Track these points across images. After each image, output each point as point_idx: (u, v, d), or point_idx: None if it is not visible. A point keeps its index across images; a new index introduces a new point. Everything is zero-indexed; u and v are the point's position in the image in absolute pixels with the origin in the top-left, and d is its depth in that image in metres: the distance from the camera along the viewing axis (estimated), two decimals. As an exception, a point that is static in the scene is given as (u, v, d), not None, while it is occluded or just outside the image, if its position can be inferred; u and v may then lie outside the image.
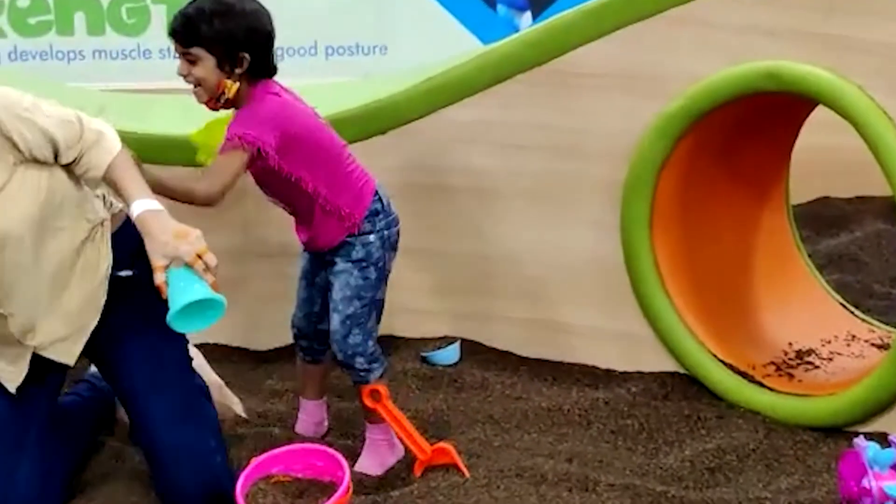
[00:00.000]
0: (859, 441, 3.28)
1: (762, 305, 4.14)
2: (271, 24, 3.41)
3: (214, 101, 3.41)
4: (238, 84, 3.38)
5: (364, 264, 3.50)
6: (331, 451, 3.37)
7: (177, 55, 3.39)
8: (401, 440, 3.58)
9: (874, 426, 3.65)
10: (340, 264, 3.51)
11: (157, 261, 2.95)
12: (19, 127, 3.03)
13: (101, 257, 3.27)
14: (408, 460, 3.57)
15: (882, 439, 3.36)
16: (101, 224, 3.28)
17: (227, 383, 3.97)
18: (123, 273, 3.29)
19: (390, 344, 4.15)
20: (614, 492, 3.40)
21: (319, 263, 3.60)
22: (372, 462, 3.58)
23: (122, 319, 3.30)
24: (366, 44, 6.37)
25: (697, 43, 3.86)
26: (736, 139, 3.99)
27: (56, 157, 3.10)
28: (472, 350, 4.25)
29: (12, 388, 3.25)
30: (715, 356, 3.94)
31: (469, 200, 4.12)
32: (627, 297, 4.03)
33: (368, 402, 3.59)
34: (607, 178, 3.97)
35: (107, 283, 3.27)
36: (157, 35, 6.20)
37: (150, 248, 2.97)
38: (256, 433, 3.72)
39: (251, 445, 3.61)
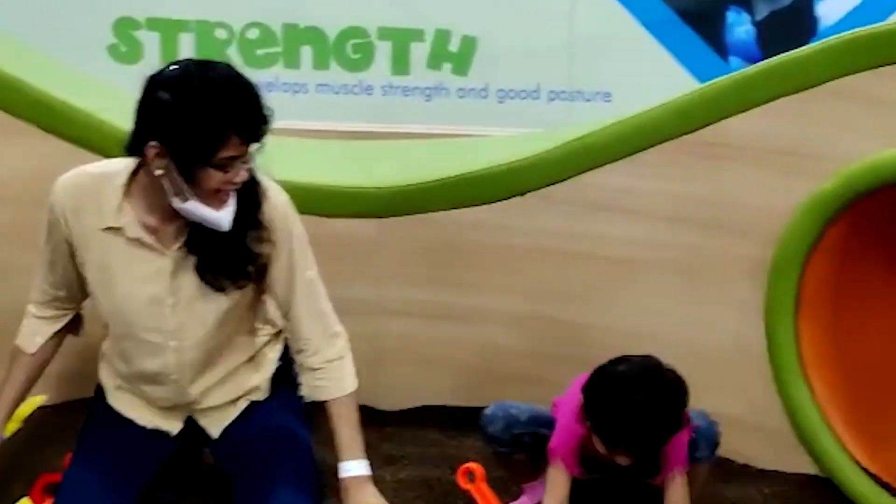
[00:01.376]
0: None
1: (921, 411, 3.75)
2: None
3: None
4: None
5: None
6: None
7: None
8: (494, 529, 3.42)
9: None
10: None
11: None
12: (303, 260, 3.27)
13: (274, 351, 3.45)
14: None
15: None
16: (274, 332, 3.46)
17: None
18: None
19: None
20: None
21: None
22: None
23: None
24: (588, 90, 6.17)
25: (857, 119, 3.53)
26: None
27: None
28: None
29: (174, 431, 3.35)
30: (857, 463, 3.60)
31: (607, 270, 3.90)
32: (769, 387, 3.73)
33: (462, 483, 3.44)
34: (753, 258, 3.69)
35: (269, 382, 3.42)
36: (381, 72, 6.20)
37: None
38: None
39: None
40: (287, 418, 3.39)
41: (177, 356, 3.23)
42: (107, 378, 3.40)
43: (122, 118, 3.78)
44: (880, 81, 3.51)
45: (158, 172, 2.95)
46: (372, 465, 3.74)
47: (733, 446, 3.82)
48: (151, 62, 5.97)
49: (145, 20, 6.07)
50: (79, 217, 3.12)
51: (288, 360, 3.47)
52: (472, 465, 3.44)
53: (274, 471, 3.27)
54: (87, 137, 3.77)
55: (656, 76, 5.95)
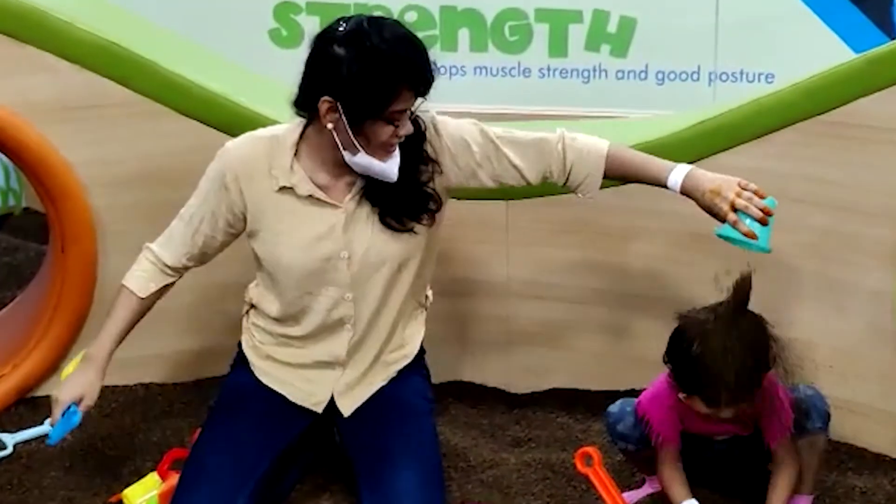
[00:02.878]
0: None
1: None
2: None
3: None
4: None
5: None
6: None
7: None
8: (610, 515, 3.39)
9: None
10: None
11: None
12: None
13: (415, 335, 3.50)
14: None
15: None
16: (424, 308, 3.53)
17: (471, 423, 3.90)
18: None
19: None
20: None
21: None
22: None
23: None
24: (751, 71, 6.02)
25: None
26: None
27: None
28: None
29: (320, 409, 3.41)
30: None
31: (738, 254, 3.80)
32: (906, 375, 3.62)
33: (580, 466, 3.41)
34: (887, 242, 3.58)
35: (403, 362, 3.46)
36: (538, 54, 6.16)
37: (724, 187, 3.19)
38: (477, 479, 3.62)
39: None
40: (414, 404, 3.44)
41: (354, 307, 3.31)
42: (253, 349, 3.45)
43: (254, 99, 3.87)
44: None
45: (329, 126, 3.07)
46: (498, 447, 3.78)
47: (867, 436, 3.74)
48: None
49: (306, 4, 6.16)
50: (252, 182, 3.23)
51: (421, 348, 3.52)
52: (589, 448, 3.40)
53: (398, 456, 3.29)
54: (220, 118, 3.83)
55: (820, 56, 5.75)
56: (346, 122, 3.05)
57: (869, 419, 3.70)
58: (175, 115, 3.84)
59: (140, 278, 3.37)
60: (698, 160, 3.77)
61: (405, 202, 3.26)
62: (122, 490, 3.45)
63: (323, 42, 3.05)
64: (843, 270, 3.69)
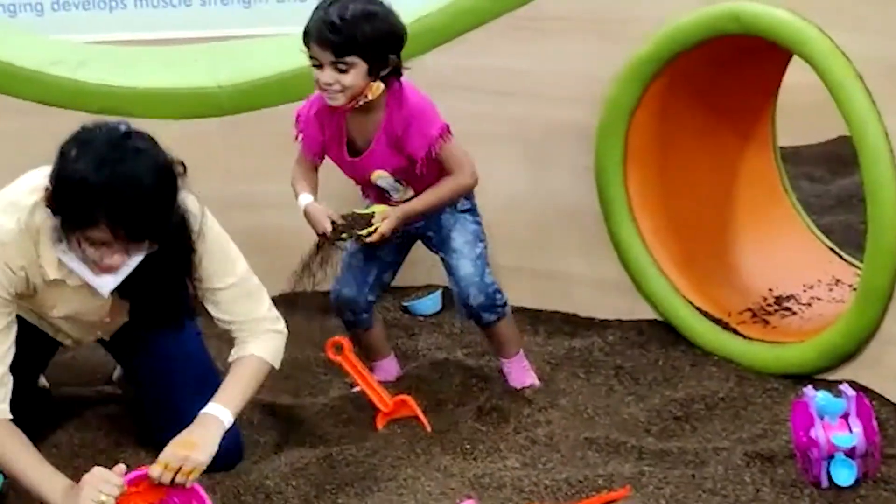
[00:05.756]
0: (808, 390, 3.18)
1: (742, 249, 4.07)
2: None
3: (352, 103, 3.39)
4: (382, 85, 3.38)
5: (473, 211, 3.62)
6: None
7: (314, 63, 3.34)
8: (363, 393, 3.60)
9: (842, 374, 3.58)
10: (449, 216, 3.59)
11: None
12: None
13: None
14: (370, 413, 3.58)
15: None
16: None
17: (208, 333, 4.00)
18: None
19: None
20: (568, 442, 3.42)
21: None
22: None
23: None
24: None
25: (663, -17, 3.80)
26: (714, 79, 3.92)
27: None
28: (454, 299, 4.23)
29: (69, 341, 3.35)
30: (690, 303, 3.89)
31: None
32: (605, 242, 3.99)
33: (331, 355, 3.62)
34: (582, 123, 3.93)
35: None
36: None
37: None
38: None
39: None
40: None
41: (101, 335, 3.37)
42: None
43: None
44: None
45: (47, 213, 2.89)
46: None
47: (577, 301, 4.12)
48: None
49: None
50: (26, 273, 3.03)
51: None
52: (339, 338, 3.62)
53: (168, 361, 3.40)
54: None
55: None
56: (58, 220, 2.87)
57: (579, 286, 4.08)
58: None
59: None
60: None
61: (152, 315, 3.16)
62: None
63: (75, 132, 2.86)
64: (542, 153, 4.04)
